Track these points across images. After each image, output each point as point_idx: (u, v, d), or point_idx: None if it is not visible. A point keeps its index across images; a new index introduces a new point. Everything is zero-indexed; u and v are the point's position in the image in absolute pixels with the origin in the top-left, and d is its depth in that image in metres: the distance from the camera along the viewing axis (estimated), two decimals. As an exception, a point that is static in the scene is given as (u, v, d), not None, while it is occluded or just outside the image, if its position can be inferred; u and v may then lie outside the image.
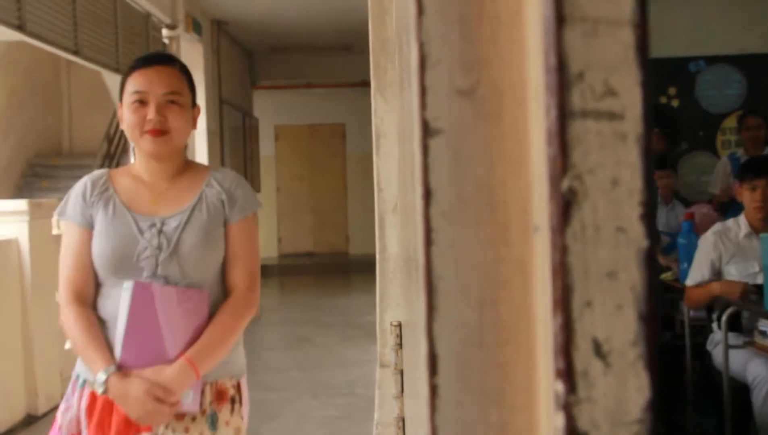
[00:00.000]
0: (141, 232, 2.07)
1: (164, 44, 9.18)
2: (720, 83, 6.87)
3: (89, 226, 2.11)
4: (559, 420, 0.41)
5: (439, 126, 0.45)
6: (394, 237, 3.58)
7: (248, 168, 13.00)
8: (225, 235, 2.13)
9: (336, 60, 13.53)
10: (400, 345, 2.18)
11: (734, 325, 3.81)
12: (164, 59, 2.18)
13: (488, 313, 0.45)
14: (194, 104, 2.19)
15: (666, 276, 4.64)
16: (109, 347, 2.02)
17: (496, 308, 0.45)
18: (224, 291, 2.15)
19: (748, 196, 3.96)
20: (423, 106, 0.45)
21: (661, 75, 6.68)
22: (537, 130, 0.43)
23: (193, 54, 10.47)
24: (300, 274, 13.76)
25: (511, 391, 0.45)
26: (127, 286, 2.01)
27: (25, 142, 13.77)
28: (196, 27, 9.98)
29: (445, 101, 0.45)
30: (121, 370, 1.99)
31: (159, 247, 2.06)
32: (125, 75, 2.14)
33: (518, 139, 0.45)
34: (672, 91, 6.85)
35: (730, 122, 6.84)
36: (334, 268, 14.07)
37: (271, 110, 15.16)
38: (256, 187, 13.74)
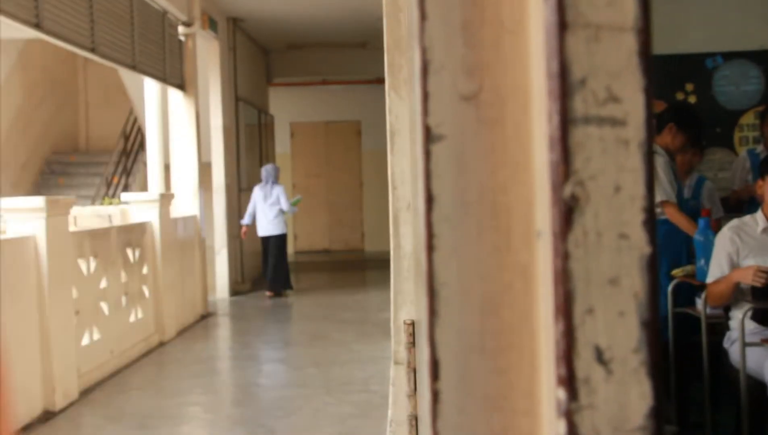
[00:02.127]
0: None
1: (180, 42, 9.22)
2: (737, 79, 6.81)
3: None
4: (561, 426, 0.41)
5: (441, 132, 0.45)
6: (409, 234, 3.58)
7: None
8: None
9: (351, 57, 13.55)
10: (413, 343, 2.18)
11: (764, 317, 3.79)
12: None
13: (490, 318, 0.45)
14: None
15: (677, 272, 4.56)
16: None
17: (498, 314, 0.45)
18: None
19: (768, 190, 3.92)
20: (425, 111, 0.45)
21: (678, 71, 6.63)
22: (539, 136, 0.43)
23: (209, 51, 10.51)
24: (316, 271, 13.78)
25: (513, 396, 0.45)
26: None
27: (43, 139, 13.89)
28: (212, 24, 10.01)
29: (447, 107, 0.45)
30: None
31: None
32: None
33: (521, 144, 0.45)
34: (689, 87, 6.80)
35: (748, 118, 6.78)
36: (349, 265, 14.09)
37: (286, 107, 15.19)
38: (271, 183, 13.74)
